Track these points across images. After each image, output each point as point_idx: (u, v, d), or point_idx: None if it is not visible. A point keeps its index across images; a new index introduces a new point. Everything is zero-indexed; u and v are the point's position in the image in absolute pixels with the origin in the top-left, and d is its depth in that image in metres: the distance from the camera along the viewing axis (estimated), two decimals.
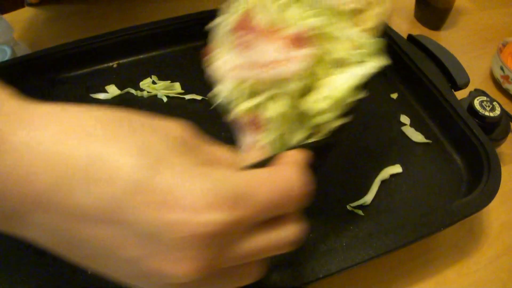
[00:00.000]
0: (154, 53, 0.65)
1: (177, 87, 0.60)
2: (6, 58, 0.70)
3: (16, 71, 0.61)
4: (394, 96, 0.59)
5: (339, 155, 0.52)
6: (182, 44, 0.65)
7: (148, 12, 0.76)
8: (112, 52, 0.63)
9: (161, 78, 0.61)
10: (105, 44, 0.62)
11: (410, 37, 0.61)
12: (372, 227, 0.46)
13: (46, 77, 0.61)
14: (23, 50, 0.74)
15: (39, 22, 0.79)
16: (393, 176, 0.50)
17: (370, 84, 0.54)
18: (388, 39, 0.61)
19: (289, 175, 0.24)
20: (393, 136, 0.54)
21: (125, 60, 0.64)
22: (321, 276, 0.39)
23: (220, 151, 0.27)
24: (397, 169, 0.50)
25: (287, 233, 0.25)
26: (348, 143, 0.53)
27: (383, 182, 0.49)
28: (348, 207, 0.46)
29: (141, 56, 0.64)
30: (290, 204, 0.24)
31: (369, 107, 0.58)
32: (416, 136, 0.54)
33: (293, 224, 0.25)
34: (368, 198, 0.47)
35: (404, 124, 0.55)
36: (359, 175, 0.50)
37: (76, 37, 0.62)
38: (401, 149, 0.53)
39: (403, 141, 0.54)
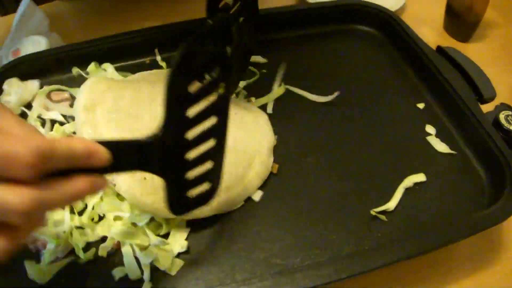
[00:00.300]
0: None
1: None
2: (42, 48, 0.73)
3: (51, 62, 0.64)
4: (421, 106, 0.60)
5: (364, 160, 0.54)
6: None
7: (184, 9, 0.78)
8: (146, 47, 0.65)
9: None
10: (141, 39, 0.65)
11: (439, 48, 0.62)
12: (394, 232, 0.47)
13: (80, 68, 0.63)
14: (56, 41, 0.76)
15: (70, 15, 0.82)
16: (416, 184, 0.51)
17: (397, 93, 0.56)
18: (417, 49, 0.62)
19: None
20: (418, 145, 0.56)
21: (157, 57, 0.66)
22: (343, 277, 0.40)
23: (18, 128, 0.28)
24: (421, 177, 0.52)
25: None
26: (373, 150, 0.55)
27: (406, 189, 0.51)
28: (372, 212, 0.48)
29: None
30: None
31: (395, 115, 0.59)
32: (441, 147, 0.55)
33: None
34: (392, 204, 0.49)
35: (429, 134, 0.57)
36: (383, 182, 0.52)
37: (107, 31, 0.65)
38: (425, 158, 0.54)
39: (428, 150, 0.55)
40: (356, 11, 0.69)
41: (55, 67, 0.64)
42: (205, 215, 0.46)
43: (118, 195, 0.46)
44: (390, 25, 0.67)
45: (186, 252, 0.45)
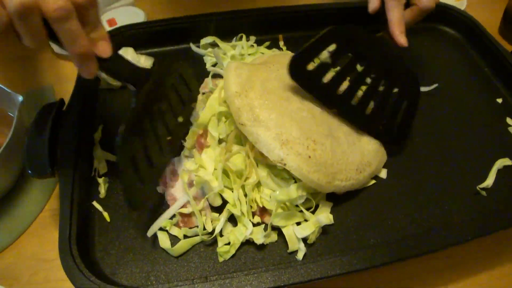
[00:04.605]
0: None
1: None
2: (140, 20, 0.78)
3: (150, 34, 0.70)
4: (499, 100, 0.71)
5: (458, 144, 0.64)
6: None
7: None
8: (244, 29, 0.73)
9: None
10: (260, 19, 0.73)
11: None
12: (492, 206, 0.58)
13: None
14: (141, 16, 0.81)
15: None
16: (505, 167, 0.62)
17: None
18: (495, 50, 0.73)
19: None
20: (501, 135, 0.66)
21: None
22: (469, 238, 0.51)
23: None
24: (507, 161, 0.63)
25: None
26: (464, 136, 0.65)
27: (499, 170, 0.62)
28: (477, 187, 0.59)
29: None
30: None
31: (479, 108, 0.70)
32: None
33: None
34: (490, 181, 0.59)
35: (510, 125, 0.68)
36: (475, 164, 0.62)
37: (191, 11, 0.71)
38: (508, 145, 0.65)
39: (510, 139, 0.66)
40: (440, 12, 0.78)
41: (153, 40, 0.70)
42: (348, 189, 0.56)
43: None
44: (469, 27, 0.78)
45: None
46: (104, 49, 0.45)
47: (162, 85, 0.54)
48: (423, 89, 0.70)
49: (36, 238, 0.58)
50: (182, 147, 0.59)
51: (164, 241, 0.53)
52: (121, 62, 0.49)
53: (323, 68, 0.57)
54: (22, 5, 0.36)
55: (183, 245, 0.52)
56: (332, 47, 0.56)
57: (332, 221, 0.53)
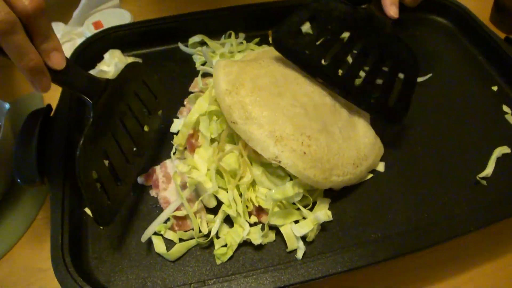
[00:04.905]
0: None
1: None
2: (126, 21, 0.77)
3: (137, 35, 0.69)
4: (495, 88, 0.70)
5: (456, 133, 0.63)
6: None
7: None
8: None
9: None
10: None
11: (507, 38, 0.72)
12: (493, 195, 0.57)
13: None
14: (127, 17, 0.80)
15: None
16: (504, 155, 0.61)
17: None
18: (489, 39, 0.72)
19: None
20: (498, 122, 0.66)
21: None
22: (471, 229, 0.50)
23: None
24: (506, 149, 0.62)
25: None
26: (462, 124, 0.65)
27: (498, 159, 0.61)
28: (477, 177, 0.58)
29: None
30: None
31: (474, 96, 0.69)
32: None
33: None
34: (489, 171, 0.58)
35: (506, 113, 0.67)
36: (474, 153, 0.61)
37: (176, 10, 0.70)
38: (506, 133, 0.64)
39: (507, 126, 0.65)
40: (431, 2, 0.78)
41: (140, 41, 0.69)
42: (345, 184, 0.55)
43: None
44: (461, 16, 0.77)
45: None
46: (57, 61, 0.42)
47: (122, 94, 0.52)
48: (419, 79, 0.69)
49: (30, 248, 0.57)
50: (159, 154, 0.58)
51: (159, 246, 0.51)
52: (76, 73, 0.46)
53: (307, 38, 0.57)
54: None
55: (178, 249, 0.51)
56: (312, 18, 0.56)
57: (331, 218, 0.52)
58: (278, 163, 0.50)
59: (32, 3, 0.37)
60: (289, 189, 0.51)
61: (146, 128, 0.56)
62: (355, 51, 0.59)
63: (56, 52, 0.42)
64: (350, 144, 0.55)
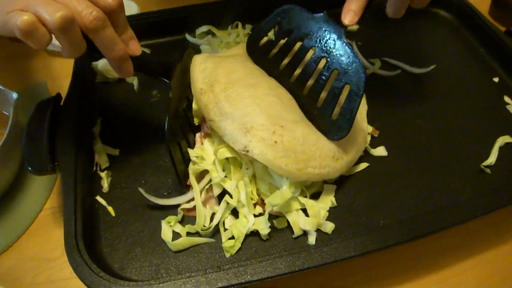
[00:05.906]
0: None
1: None
2: (133, 12, 0.77)
3: (146, 26, 0.70)
4: (496, 79, 0.72)
5: (459, 123, 0.65)
6: None
7: None
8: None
9: None
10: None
11: (508, 31, 0.74)
12: (497, 183, 0.59)
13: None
14: (134, 8, 0.81)
15: None
16: (507, 144, 0.63)
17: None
18: (490, 31, 0.73)
19: None
20: (500, 113, 0.67)
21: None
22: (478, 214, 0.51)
23: None
24: (508, 138, 0.63)
25: None
26: (464, 115, 0.66)
27: (500, 148, 0.62)
28: (481, 165, 0.59)
29: None
30: None
31: (476, 87, 0.70)
32: None
33: None
34: (493, 159, 0.60)
35: (508, 104, 0.68)
36: (477, 142, 0.62)
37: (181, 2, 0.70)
38: (508, 123, 0.66)
39: (509, 117, 0.67)
40: None
41: (147, 32, 0.70)
42: (324, 178, 0.53)
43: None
44: (462, 10, 0.78)
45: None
46: (136, 48, 0.48)
47: (186, 74, 0.57)
48: (420, 71, 0.71)
49: (37, 238, 0.57)
50: None
51: (165, 233, 0.52)
52: (149, 59, 0.52)
53: (269, 45, 0.59)
54: (62, 20, 0.38)
55: (182, 242, 0.51)
56: (276, 26, 0.58)
57: (335, 204, 0.53)
58: (246, 153, 0.49)
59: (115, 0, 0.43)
60: (286, 192, 0.50)
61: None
62: (306, 58, 0.57)
63: (133, 40, 0.48)
64: None
